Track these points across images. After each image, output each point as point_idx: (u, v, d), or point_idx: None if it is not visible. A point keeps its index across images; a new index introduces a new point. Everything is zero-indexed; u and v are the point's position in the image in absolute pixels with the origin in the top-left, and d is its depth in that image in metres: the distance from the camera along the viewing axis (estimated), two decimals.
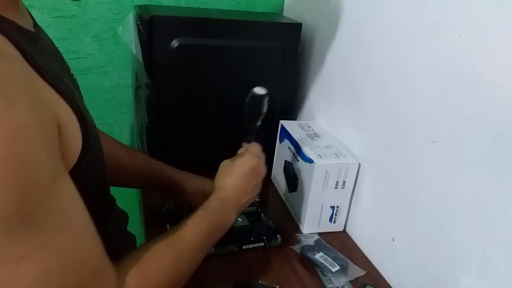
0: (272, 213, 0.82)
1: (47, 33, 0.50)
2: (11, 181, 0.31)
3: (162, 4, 0.99)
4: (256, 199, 0.83)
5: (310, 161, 0.75)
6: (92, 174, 0.45)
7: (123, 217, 0.69)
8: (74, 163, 0.40)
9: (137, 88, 0.88)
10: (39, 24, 0.48)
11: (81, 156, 0.41)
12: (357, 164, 0.76)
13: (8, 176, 0.31)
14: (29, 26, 0.43)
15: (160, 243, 0.49)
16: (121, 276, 0.43)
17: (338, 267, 0.69)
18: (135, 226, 1.15)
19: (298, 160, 0.80)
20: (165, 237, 0.50)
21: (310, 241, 0.76)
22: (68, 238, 0.36)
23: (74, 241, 0.37)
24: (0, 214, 0.31)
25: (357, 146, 0.79)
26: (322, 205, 0.78)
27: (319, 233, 0.79)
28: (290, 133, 0.85)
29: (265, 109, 0.66)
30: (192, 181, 0.74)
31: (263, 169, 0.66)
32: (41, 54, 0.41)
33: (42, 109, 0.35)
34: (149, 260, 0.47)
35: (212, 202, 0.58)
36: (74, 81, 0.51)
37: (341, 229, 0.82)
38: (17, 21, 0.39)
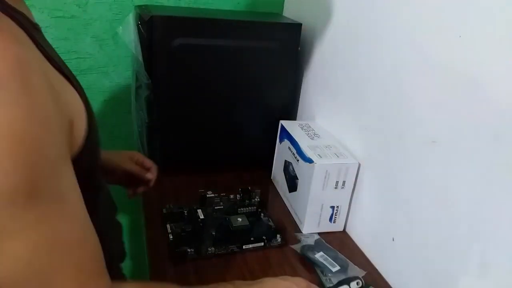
0: (272, 213, 0.82)
1: (48, 34, 0.51)
2: (20, 157, 0.32)
3: (162, 4, 0.99)
4: (256, 199, 0.83)
5: (310, 161, 0.75)
6: (89, 161, 0.45)
7: (113, 206, 0.68)
8: (76, 152, 0.41)
9: (137, 88, 0.89)
10: (39, 24, 0.48)
11: (83, 146, 0.42)
12: (357, 164, 0.76)
13: (18, 153, 0.32)
14: (34, 20, 0.45)
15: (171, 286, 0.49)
16: (118, 284, 0.43)
17: (338, 267, 0.69)
18: (135, 226, 1.15)
19: (298, 160, 0.80)
20: (178, 286, 0.50)
21: (310, 241, 0.76)
22: (62, 224, 0.37)
23: (69, 229, 0.38)
24: (6, 187, 0.32)
25: (357, 146, 0.79)
26: (322, 205, 0.78)
27: (319, 233, 0.79)
28: (290, 133, 0.85)
29: None
30: (111, 158, 0.74)
31: None
32: (47, 45, 0.43)
33: (57, 98, 0.37)
34: None
35: (247, 285, 0.55)
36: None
37: (341, 229, 0.82)
38: (26, 13, 0.41)
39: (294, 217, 0.84)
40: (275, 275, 0.68)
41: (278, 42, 0.89)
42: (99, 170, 0.54)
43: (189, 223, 0.75)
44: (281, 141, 0.91)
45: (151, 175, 0.78)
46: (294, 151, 0.82)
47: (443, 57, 0.58)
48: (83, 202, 0.40)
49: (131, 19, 0.84)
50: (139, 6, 0.91)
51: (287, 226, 0.81)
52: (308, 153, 0.77)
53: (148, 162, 0.78)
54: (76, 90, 0.42)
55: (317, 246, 0.74)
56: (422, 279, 0.64)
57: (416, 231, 0.65)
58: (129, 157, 0.77)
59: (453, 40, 0.56)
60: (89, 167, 0.45)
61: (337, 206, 0.79)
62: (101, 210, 0.57)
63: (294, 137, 0.83)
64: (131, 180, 0.77)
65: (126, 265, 1.21)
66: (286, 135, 0.87)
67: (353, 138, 0.80)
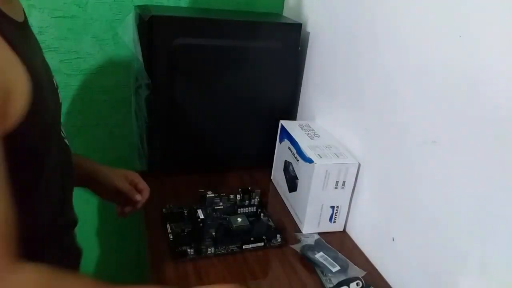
0: (272, 213, 0.83)
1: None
2: None
3: (162, 4, 0.99)
4: (256, 199, 0.83)
5: (310, 161, 0.75)
6: (31, 142, 0.44)
7: (71, 220, 0.64)
8: (12, 127, 0.40)
9: (137, 88, 0.89)
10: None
11: (23, 123, 0.41)
12: (357, 164, 0.76)
13: None
14: (15, 17, 0.45)
15: (88, 278, 0.46)
16: (19, 265, 0.39)
17: (338, 267, 0.69)
18: (135, 226, 1.15)
19: (298, 160, 0.80)
20: (97, 280, 0.46)
21: (310, 241, 0.76)
22: None
23: None
24: None
25: (357, 146, 0.79)
26: (322, 205, 0.78)
27: (319, 233, 0.79)
28: (290, 133, 0.85)
29: None
30: (105, 173, 0.74)
31: None
32: (18, 35, 0.43)
33: None
34: (64, 279, 0.43)
35: None
36: (51, 78, 0.53)
37: (341, 229, 0.82)
38: (3, 8, 0.42)
39: (294, 217, 0.84)
40: (274, 275, 0.68)
41: (278, 42, 0.89)
42: (52, 157, 0.52)
43: (189, 223, 0.75)
44: (281, 141, 0.91)
45: (139, 197, 0.76)
46: (294, 151, 0.82)
47: (443, 57, 0.58)
48: (3, 178, 0.38)
49: (131, 19, 0.84)
50: (139, 6, 0.91)
51: (287, 226, 0.81)
52: (308, 153, 0.77)
53: (142, 184, 0.77)
54: (30, 72, 0.42)
55: (317, 246, 0.74)
56: (422, 279, 0.64)
57: (416, 231, 0.65)
58: (124, 175, 0.76)
59: (453, 40, 0.56)
60: (30, 148, 0.43)
61: (337, 206, 0.79)
62: (42, 198, 0.53)
63: (294, 137, 0.83)
64: (121, 198, 0.76)
65: (126, 265, 1.22)
66: (286, 135, 0.87)
67: (353, 138, 0.80)
